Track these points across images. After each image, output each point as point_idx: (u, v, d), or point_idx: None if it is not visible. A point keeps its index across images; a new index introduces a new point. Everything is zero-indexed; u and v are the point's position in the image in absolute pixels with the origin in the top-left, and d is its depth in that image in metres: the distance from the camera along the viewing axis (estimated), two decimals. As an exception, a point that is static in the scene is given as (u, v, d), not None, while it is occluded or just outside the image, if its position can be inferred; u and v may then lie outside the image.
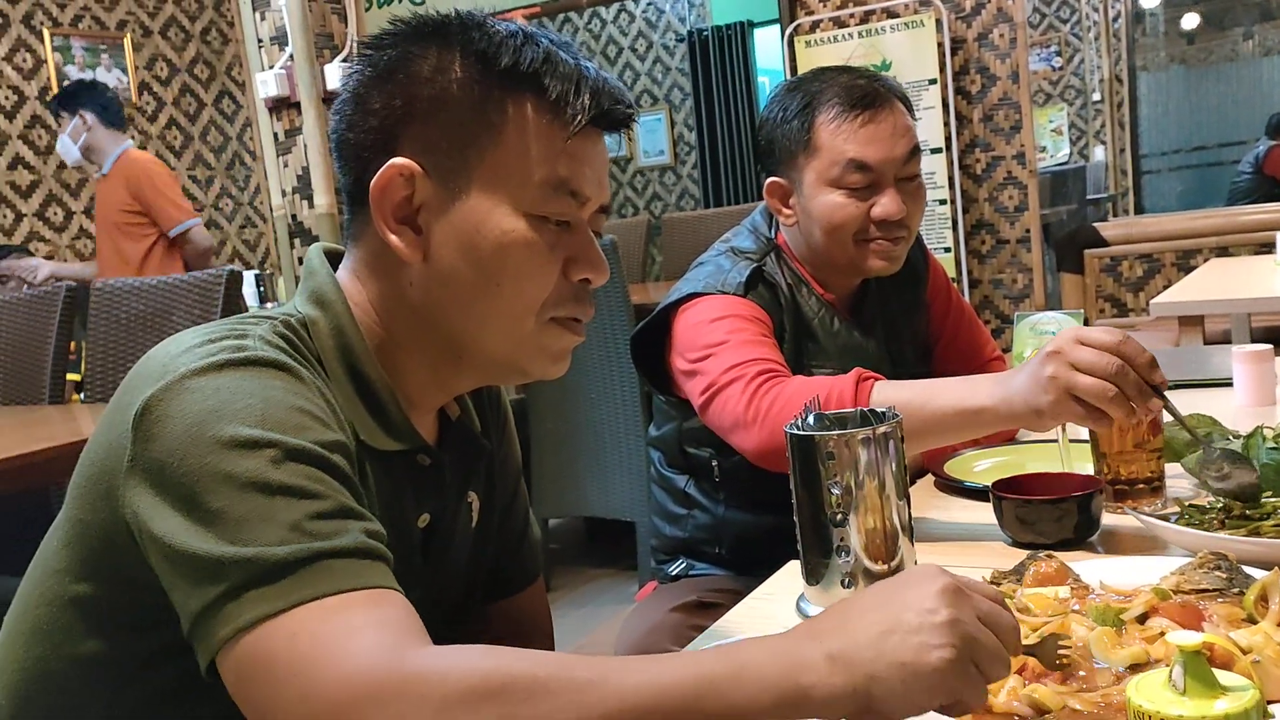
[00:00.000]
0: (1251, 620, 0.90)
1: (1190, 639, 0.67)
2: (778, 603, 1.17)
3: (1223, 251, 4.60)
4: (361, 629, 0.69)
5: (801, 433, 1.06)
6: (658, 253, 6.38)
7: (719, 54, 7.30)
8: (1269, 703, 0.74)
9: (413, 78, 0.90)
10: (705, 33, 7.39)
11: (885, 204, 1.52)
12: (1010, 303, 5.10)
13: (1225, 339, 3.32)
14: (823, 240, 1.56)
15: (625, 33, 7.82)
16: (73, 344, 2.86)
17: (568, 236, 0.93)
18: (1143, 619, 0.92)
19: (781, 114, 1.56)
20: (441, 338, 0.94)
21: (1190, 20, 10.05)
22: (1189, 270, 4.45)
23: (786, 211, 1.60)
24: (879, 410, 1.09)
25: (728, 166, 7.29)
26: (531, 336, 0.94)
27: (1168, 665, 0.70)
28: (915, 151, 1.54)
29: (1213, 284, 3.39)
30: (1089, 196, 8.74)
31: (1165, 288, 3.91)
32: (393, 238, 0.91)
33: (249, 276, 4.50)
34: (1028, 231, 5.08)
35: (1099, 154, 9.64)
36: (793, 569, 1.20)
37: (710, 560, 1.70)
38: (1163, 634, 0.86)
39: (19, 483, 2.12)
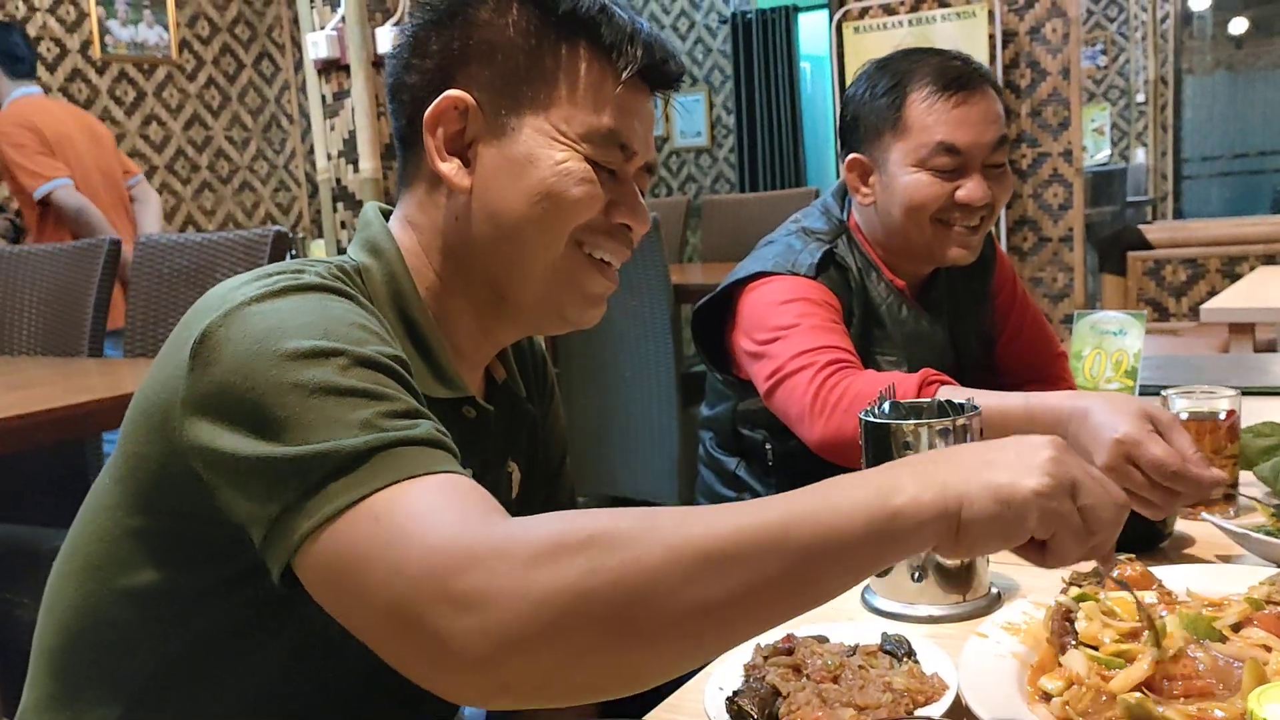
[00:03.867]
0: (1350, 637, 0.87)
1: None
2: (841, 593, 1.14)
3: (1270, 260, 4.52)
4: (445, 505, 0.68)
5: (878, 420, 1.04)
6: (691, 234, 6.33)
7: (762, 38, 7.23)
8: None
9: (470, 21, 0.93)
10: (749, 15, 7.32)
11: (970, 188, 1.48)
12: (1050, 302, 5.04)
13: (1270, 348, 3.27)
14: (900, 220, 1.52)
15: (668, 11, 7.76)
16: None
17: (612, 184, 0.95)
18: (1238, 628, 0.88)
19: (870, 91, 1.53)
20: (485, 279, 0.96)
21: (1239, 25, 9.91)
22: (1234, 277, 4.39)
23: (865, 190, 1.56)
24: (956, 402, 1.06)
25: (765, 151, 7.23)
26: (565, 262, 0.95)
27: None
28: (1004, 140, 1.51)
29: (1265, 291, 3.33)
30: (1129, 199, 8.64)
31: (1209, 294, 3.85)
32: (442, 165, 0.93)
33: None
34: (1070, 230, 5.01)
35: (1140, 156, 9.53)
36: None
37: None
38: (1266, 646, 0.83)
39: (56, 435, 2.11)
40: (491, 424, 1.01)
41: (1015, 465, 0.68)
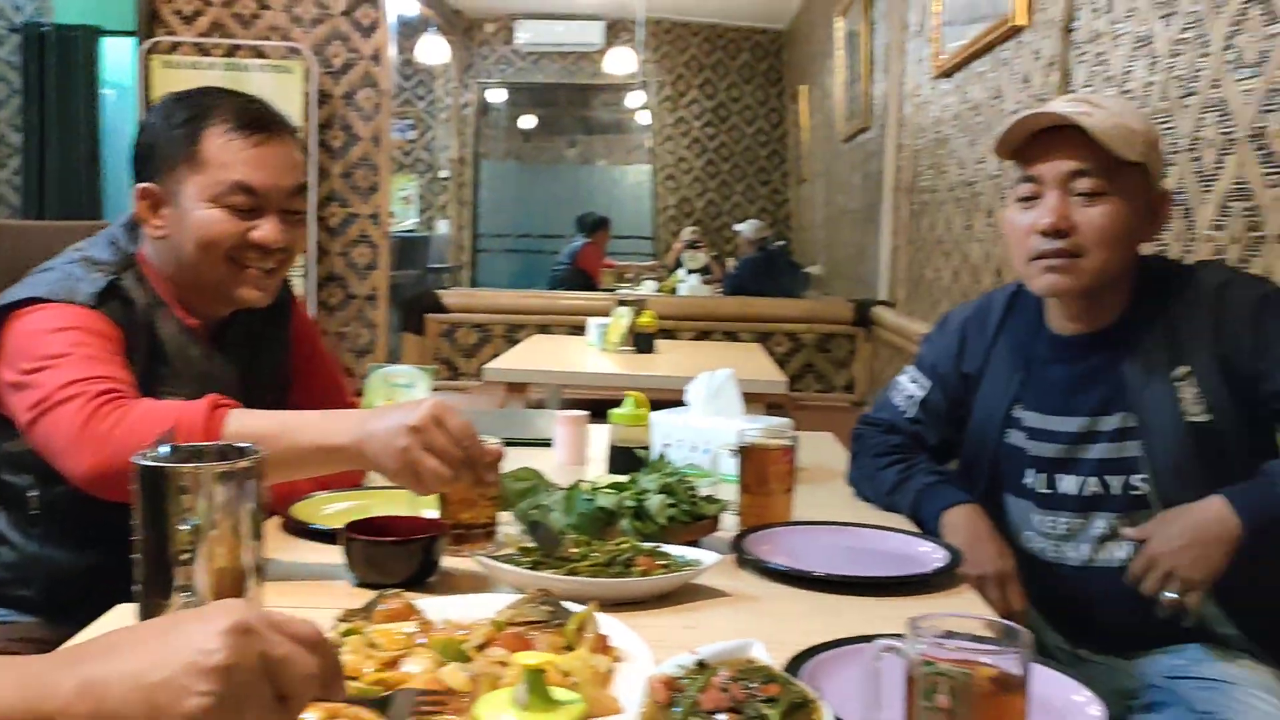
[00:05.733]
0: (570, 648, 1.01)
1: (533, 659, 0.73)
2: (105, 650, 1.06)
3: (544, 329, 5.13)
4: None
5: (151, 464, 0.99)
6: (-41, 262, 5.54)
7: (59, 55, 6.63)
8: (590, 718, 0.83)
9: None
10: (45, 28, 6.68)
11: (266, 229, 1.48)
12: (354, 356, 5.21)
13: (541, 405, 3.72)
14: (193, 255, 1.48)
15: (-58, 7, 6.78)
16: None
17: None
18: (482, 648, 0.98)
19: (167, 121, 1.48)
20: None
21: (528, 121, 11.20)
22: (515, 342, 4.90)
23: (156, 222, 1.49)
24: (239, 445, 1.06)
25: (56, 177, 6.60)
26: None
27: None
28: (303, 188, 1.54)
29: (536, 355, 3.79)
30: (431, 265, 9.27)
31: (494, 356, 4.26)
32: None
33: None
34: (376, 290, 5.26)
35: (442, 227, 10.30)
36: (125, 612, 1.11)
37: (14, 604, 1.50)
38: (503, 662, 0.93)
39: None
40: None
41: (182, 675, 0.62)
